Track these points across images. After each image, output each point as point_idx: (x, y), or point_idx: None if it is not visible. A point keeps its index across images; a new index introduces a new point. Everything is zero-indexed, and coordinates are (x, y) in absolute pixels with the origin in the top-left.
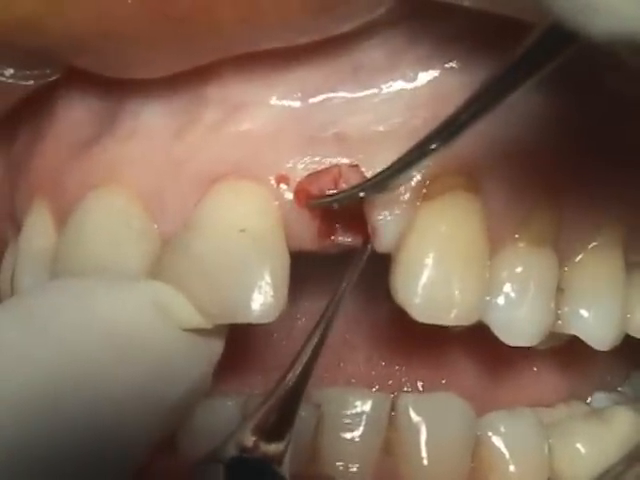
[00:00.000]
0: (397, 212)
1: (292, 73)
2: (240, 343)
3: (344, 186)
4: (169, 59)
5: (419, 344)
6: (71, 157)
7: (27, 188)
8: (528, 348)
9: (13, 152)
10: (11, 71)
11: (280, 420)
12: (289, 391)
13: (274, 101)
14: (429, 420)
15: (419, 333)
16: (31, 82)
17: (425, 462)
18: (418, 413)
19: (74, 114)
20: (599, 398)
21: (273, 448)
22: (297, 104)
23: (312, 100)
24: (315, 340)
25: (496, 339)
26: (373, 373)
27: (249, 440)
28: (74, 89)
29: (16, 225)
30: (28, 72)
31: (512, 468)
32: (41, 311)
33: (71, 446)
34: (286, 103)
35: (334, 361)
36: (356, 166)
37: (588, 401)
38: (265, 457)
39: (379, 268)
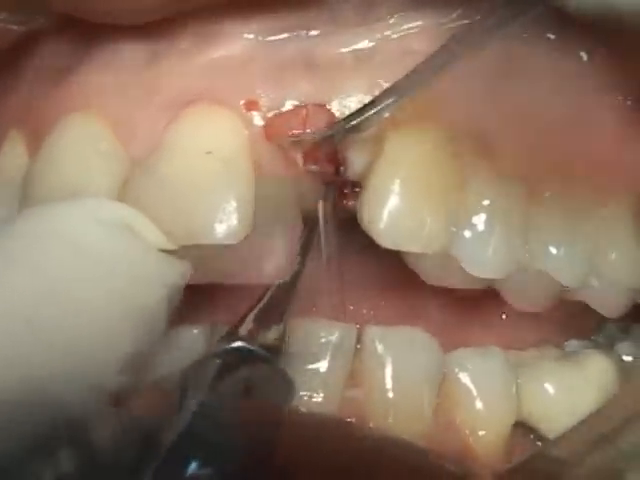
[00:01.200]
0: (366, 140)
1: (270, 12)
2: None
3: (309, 130)
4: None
5: (388, 288)
6: (46, 86)
7: (3, 121)
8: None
9: None
10: (4, 15)
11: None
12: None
13: (247, 34)
14: (395, 353)
15: (389, 277)
16: (22, 27)
17: (390, 394)
18: (384, 345)
19: (50, 45)
20: (572, 345)
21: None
22: (271, 38)
23: (285, 35)
24: None
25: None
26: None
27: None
28: (47, 24)
29: None
30: (20, 17)
31: (479, 405)
32: (14, 242)
33: (52, 365)
34: (260, 37)
35: (308, 305)
36: (323, 106)
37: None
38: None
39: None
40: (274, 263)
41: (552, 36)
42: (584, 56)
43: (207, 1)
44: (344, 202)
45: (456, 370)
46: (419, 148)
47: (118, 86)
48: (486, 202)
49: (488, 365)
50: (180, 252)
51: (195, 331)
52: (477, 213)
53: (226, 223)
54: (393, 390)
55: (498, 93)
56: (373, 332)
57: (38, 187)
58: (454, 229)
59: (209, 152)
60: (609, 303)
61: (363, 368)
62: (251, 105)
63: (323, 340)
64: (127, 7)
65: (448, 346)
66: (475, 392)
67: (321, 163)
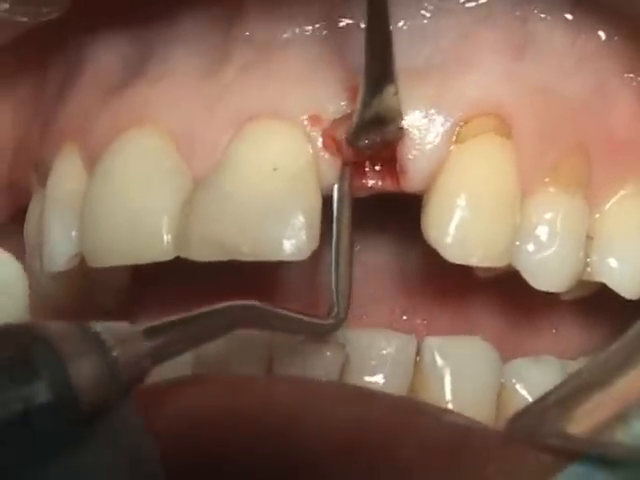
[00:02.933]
0: (428, 152)
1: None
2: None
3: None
4: None
5: (440, 298)
6: (101, 101)
7: (57, 134)
8: (552, 300)
9: (42, 100)
10: (6, 5)
11: None
12: None
13: (299, 33)
14: (454, 364)
15: (441, 286)
16: (26, 19)
17: (450, 406)
18: (443, 357)
19: (103, 59)
20: None
21: None
22: (323, 33)
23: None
24: None
25: (518, 292)
26: (395, 326)
27: None
28: (101, 34)
29: (43, 174)
30: (24, 8)
31: None
32: None
33: None
34: (311, 33)
35: (358, 313)
36: None
37: None
38: None
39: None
40: (294, 242)
41: (570, 16)
42: (602, 36)
43: None
44: (363, 182)
45: (513, 380)
46: (484, 162)
47: (175, 100)
48: (548, 215)
49: (544, 375)
50: None
51: None
52: (540, 226)
53: (295, 239)
54: (453, 402)
55: (517, 73)
56: (432, 343)
57: (98, 205)
58: (518, 242)
59: (275, 169)
60: (630, 284)
61: (422, 380)
62: (314, 120)
63: (383, 352)
64: None
65: (503, 355)
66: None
67: (382, 177)
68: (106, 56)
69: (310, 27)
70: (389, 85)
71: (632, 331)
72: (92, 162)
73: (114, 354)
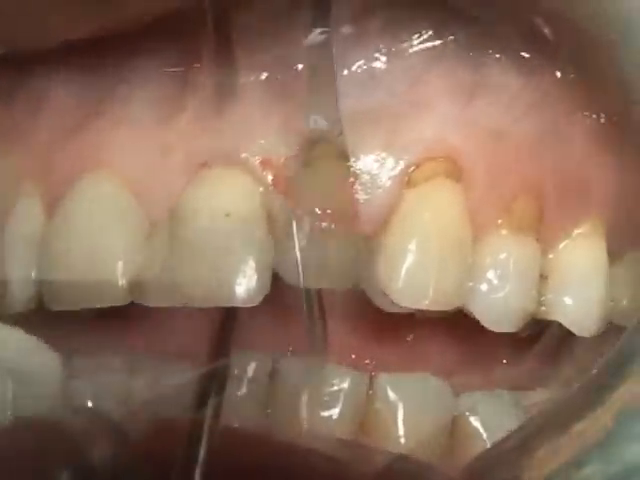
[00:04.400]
0: (380, 196)
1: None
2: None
3: None
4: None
5: (388, 336)
6: (61, 142)
7: (17, 173)
8: (501, 336)
9: (3, 137)
10: None
11: None
12: None
13: (255, 79)
14: (407, 399)
15: (388, 324)
16: None
17: (402, 440)
18: (396, 392)
19: (63, 100)
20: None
21: None
22: (277, 78)
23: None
24: None
25: (467, 327)
26: (344, 361)
27: None
28: (61, 76)
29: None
30: None
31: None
32: None
33: None
34: (264, 80)
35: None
36: None
37: None
38: None
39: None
40: (245, 288)
41: (526, 54)
42: (558, 74)
43: None
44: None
45: (467, 414)
46: (435, 206)
47: (132, 144)
48: (500, 257)
49: (498, 408)
50: None
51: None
52: (492, 268)
53: (245, 286)
54: (405, 436)
55: (468, 116)
56: (384, 379)
57: (56, 250)
58: (470, 284)
59: (227, 214)
60: (584, 322)
61: (375, 415)
62: (266, 164)
63: (336, 387)
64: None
65: (455, 387)
66: (485, 435)
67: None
68: (66, 96)
69: (264, 74)
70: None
71: (591, 376)
72: (51, 204)
73: None
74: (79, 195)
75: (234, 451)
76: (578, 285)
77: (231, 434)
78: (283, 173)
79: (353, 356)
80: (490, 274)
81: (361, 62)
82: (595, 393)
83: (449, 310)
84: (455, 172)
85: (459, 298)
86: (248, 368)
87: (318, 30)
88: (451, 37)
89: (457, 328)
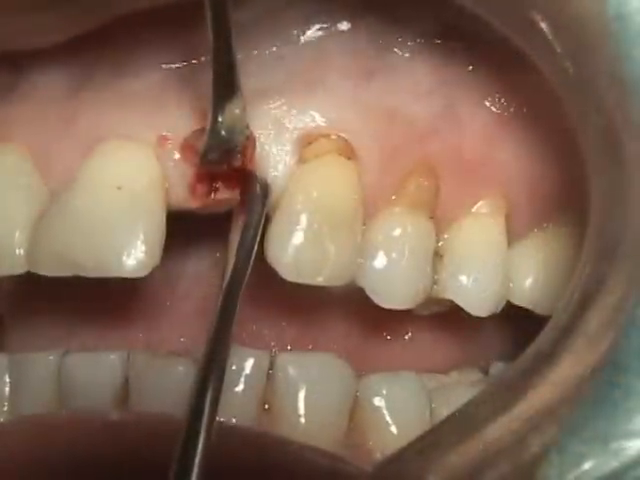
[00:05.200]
0: (277, 171)
1: (177, 38)
2: (122, 301)
3: None
4: (61, 24)
5: (290, 307)
6: None
7: None
8: (406, 313)
9: None
10: None
11: None
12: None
13: (160, 65)
14: (307, 378)
15: (298, 291)
16: None
17: (302, 420)
18: (297, 372)
19: None
20: (497, 367)
21: None
22: (182, 65)
23: (195, 62)
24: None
25: (373, 303)
26: (243, 335)
27: None
28: None
29: None
30: None
31: (392, 429)
32: None
33: None
34: (173, 66)
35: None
36: None
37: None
38: None
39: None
40: (134, 259)
41: (437, 41)
42: (467, 63)
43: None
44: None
45: (369, 395)
46: (326, 182)
47: (38, 117)
48: (392, 233)
49: (402, 390)
50: None
51: (112, 357)
52: (384, 244)
53: (134, 257)
54: (305, 416)
55: (363, 96)
56: (286, 358)
57: None
58: (361, 260)
59: (119, 187)
60: (477, 302)
61: (275, 394)
62: (163, 140)
63: (234, 367)
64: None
65: (358, 366)
66: (388, 416)
67: (230, 190)
68: None
69: (168, 61)
70: (235, 99)
71: (499, 380)
72: None
73: None
74: None
75: (231, 447)
76: (473, 264)
77: (228, 430)
78: (192, 143)
79: (254, 327)
80: (382, 250)
81: (269, 45)
82: (504, 398)
83: (345, 287)
84: (347, 149)
85: (349, 274)
86: (245, 364)
87: (316, 26)
88: (364, 25)
89: (361, 304)
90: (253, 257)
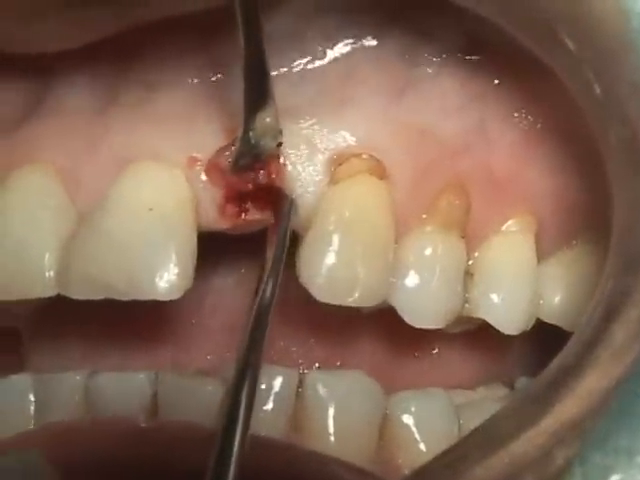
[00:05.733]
0: (308, 191)
1: (205, 50)
2: (150, 319)
3: None
4: (79, 29)
5: (327, 320)
6: (3, 134)
7: None
8: (434, 331)
9: None
10: None
11: None
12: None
13: (188, 80)
14: (337, 397)
15: (327, 309)
16: None
17: (332, 438)
18: (326, 389)
19: (4, 94)
20: (522, 382)
21: None
22: (211, 81)
23: (220, 75)
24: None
25: (401, 321)
26: (281, 344)
27: None
28: (4, 70)
29: None
30: None
31: (421, 446)
32: None
33: None
34: (200, 81)
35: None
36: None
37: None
38: None
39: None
40: (166, 282)
41: (464, 57)
42: (493, 77)
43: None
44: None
45: (398, 412)
46: (358, 202)
47: (64, 138)
48: (424, 253)
49: (430, 406)
50: None
51: (141, 376)
52: (415, 264)
53: (166, 279)
54: (335, 434)
55: (394, 114)
56: (315, 376)
57: None
58: (393, 279)
59: (151, 209)
60: (509, 320)
61: (305, 413)
62: (193, 161)
63: (264, 387)
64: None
65: (386, 383)
66: (417, 434)
67: (261, 211)
68: (6, 92)
69: (197, 75)
70: (267, 107)
71: (524, 394)
72: None
73: None
74: (11, 189)
75: (260, 459)
76: (504, 283)
77: (256, 442)
78: (216, 161)
79: (282, 343)
80: (414, 270)
81: (296, 62)
82: (530, 412)
83: (376, 306)
84: (379, 169)
85: (381, 294)
86: (274, 383)
87: (342, 42)
88: (390, 39)
89: (391, 321)
90: (280, 275)
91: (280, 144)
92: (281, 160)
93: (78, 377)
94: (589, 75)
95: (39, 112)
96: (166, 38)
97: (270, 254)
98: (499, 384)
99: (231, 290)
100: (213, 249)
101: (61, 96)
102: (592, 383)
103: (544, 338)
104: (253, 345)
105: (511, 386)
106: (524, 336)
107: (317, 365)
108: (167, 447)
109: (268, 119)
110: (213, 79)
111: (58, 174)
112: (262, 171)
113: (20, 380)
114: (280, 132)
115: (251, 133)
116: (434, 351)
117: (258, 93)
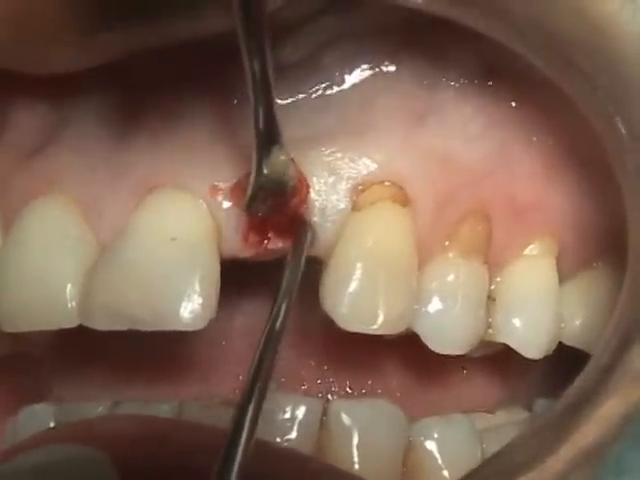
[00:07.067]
0: (330, 219)
1: (223, 76)
2: (176, 346)
3: None
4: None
5: (350, 347)
6: (19, 165)
7: None
8: (458, 355)
9: None
10: None
11: None
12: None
13: (208, 108)
14: (361, 425)
15: (350, 336)
16: None
17: (356, 467)
18: (350, 418)
19: (24, 122)
20: (540, 404)
21: None
22: (231, 106)
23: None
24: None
25: (424, 346)
26: (303, 373)
27: None
28: (25, 98)
29: None
30: None
31: (445, 473)
32: None
33: None
34: (220, 107)
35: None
36: None
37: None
38: None
39: (315, 272)
40: (190, 312)
41: (484, 82)
42: (513, 101)
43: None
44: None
45: (422, 439)
46: (380, 230)
47: (85, 168)
48: (447, 279)
49: (453, 433)
50: None
51: (165, 407)
52: (438, 290)
53: (190, 309)
54: (359, 462)
55: (416, 140)
56: (339, 405)
57: (8, 272)
58: (416, 306)
59: (174, 238)
60: (531, 345)
61: (329, 441)
62: (215, 190)
63: (289, 415)
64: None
65: (410, 409)
66: (440, 460)
67: (283, 239)
68: (27, 119)
69: (217, 101)
70: (277, 147)
71: (542, 420)
72: (6, 227)
73: None
74: (28, 220)
75: (279, 472)
76: (526, 307)
77: (275, 454)
78: (239, 190)
79: (303, 372)
80: (437, 297)
81: (315, 89)
82: (548, 439)
83: (400, 333)
84: (401, 196)
85: (405, 321)
86: (298, 412)
87: (360, 67)
88: (407, 65)
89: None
90: (292, 301)
91: (299, 182)
92: (304, 188)
93: (101, 408)
94: (605, 101)
95: (57, 140)
96: (184, 65)
97: (285, 280)
98: (518, 407)
99: (254, 321)
100: (237, 274)
101: (80, 123)
102: (610, 410)
103: (562, 358)
104: (261, 364)
105: (529, 408)
106: (544, 358)
107: (343, 392)
108: (182, 449)
109: (282, 157)
110: (234, 103)
111: (79, 204)
112: (283, 200)
113: (42, 409)
114: (297, 171)
115: (264, 176)
116: (457, 375)
117: (267, 133)
